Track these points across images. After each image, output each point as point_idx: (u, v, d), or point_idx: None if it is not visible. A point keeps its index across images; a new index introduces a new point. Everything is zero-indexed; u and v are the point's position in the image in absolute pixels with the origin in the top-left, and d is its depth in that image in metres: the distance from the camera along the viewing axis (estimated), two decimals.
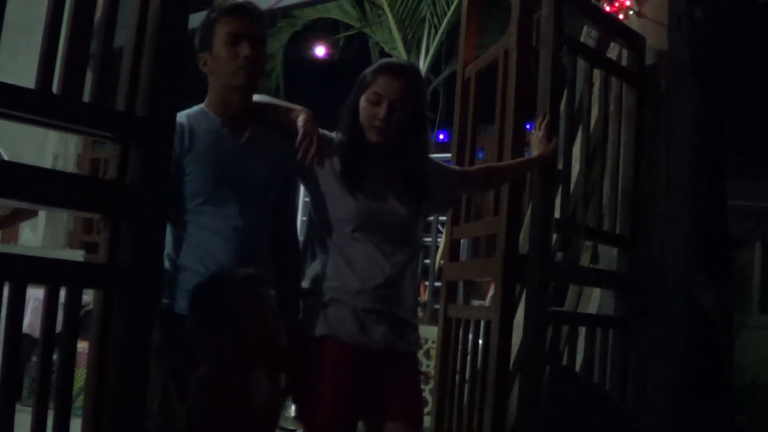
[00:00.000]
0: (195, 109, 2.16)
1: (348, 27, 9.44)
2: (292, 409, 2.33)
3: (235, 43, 2.08)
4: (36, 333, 1.51)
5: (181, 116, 2.08)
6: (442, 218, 5.55)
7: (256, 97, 2.22)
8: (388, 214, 2.24)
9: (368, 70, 2.29)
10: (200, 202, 2.07)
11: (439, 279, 4.06)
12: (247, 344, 1.86)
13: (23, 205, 1.92)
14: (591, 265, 3.31)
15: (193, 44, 2.10)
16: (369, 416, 2.25)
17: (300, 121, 2.15)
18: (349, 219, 2.21)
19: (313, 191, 2.28)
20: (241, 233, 2.08)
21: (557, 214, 2.93)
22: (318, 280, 2.22)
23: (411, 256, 2.29)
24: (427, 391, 4.01)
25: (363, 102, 2.25)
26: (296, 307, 2.23)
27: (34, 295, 1.89)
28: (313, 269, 2.26)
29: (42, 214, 1.91)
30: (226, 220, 2.07)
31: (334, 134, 2.29)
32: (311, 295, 2.22)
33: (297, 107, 2.23)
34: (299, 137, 2.12)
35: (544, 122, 2.73)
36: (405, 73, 2.28)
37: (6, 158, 2.58)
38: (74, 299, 1.50)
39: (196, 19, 1.95)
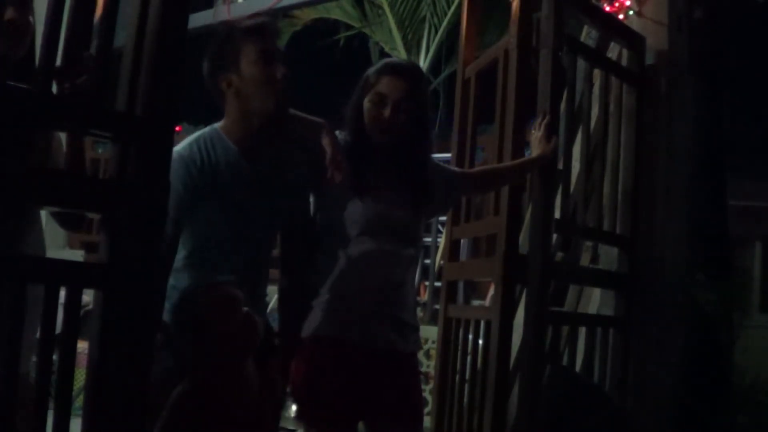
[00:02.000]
0: (208, 132, 2.09)
1: (348, 27, 9.44)
2: (293, 409, 2.33)
3: (269, 62, 2.04)
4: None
5: (195, 142, 2.03)
6: (442, 218, 5.55)
7: None
8: (392, 217, 2.24)
9: (371, 71, 2.28)
10: (207, 243, 2.05)
11: (439, 279, 4.06)
12: (221, 352, 1.82)
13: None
14: (591, 265, 3.31)
15: (193, 44, 2.08)
16: (369, 417, 2.25)
17: (326, 140, 2.11)
18: (355, 222, 2.19)
19: (319, 195, 2.28)
20: (244, 257, 2.09)
21: (557, 214, 2.93)
22: (321, 281, 2.22)
23: (413, 257, 2.30)
24: (427, 391, 4.01)
25: (367, 103, 2.24)
26: (302, 307, 2.22)
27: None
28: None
29: (42, 214, 1.88)
30: (231, 251, 2.07)
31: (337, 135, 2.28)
32: (315, 295, 2.22)
33: (315, 120, 2.18)
34: (329, 158, 2.09)
35: (544, 122, 2.73)
36: (408, 73, 2.28)
37: None
38: (74, 299, 1.50)
39: (196, 19, 1.95)
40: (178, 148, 2.01)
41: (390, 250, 2.23)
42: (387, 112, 2.21)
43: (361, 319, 2.19)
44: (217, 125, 2.12)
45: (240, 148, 2.08)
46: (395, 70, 2.27)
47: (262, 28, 2.06)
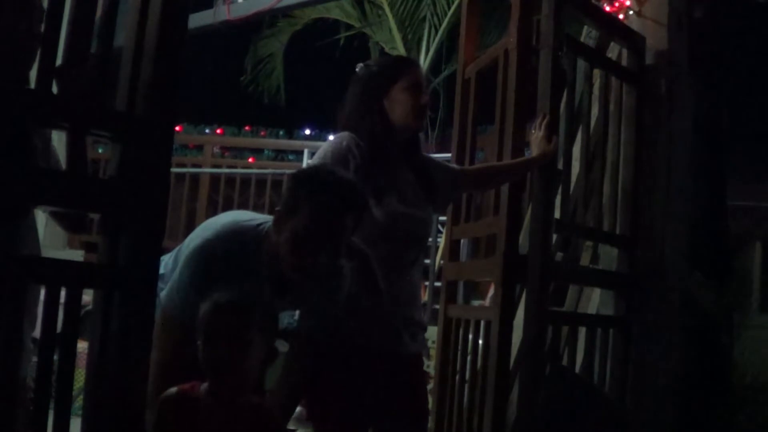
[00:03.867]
0: (249, 241, 1.93)
1: (348, 27, 9.44)
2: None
3: (322, 232, 1.90)
4: (37, 333, 1.51)
5: (231, 244, 1.89)
6: (442, 218, 5.55)
7: None
8: (410, 218, 2.24)
9: (387, 67, 2.32)
10: None
11: (439, 279, 4.06)
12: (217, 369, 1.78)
13: None
14: (591, 265, 3.31)
15: (193, 44, 2.05)
16: (378, 417, 2.25)
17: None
18: (376, 226, 2.17)
19: None
20: None
21: (557, 214, 2.93)
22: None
23: (422, 256, 2.32)
24: (427, 391, 4.01)
25: (399, 93, 2.25)
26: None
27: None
28: None
29: (42, 213, 1.87)
30: None
31: (346, 137, 2.23)
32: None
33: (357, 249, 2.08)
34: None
35: (544, 122, 2.73)
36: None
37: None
38: (74, 299, 1.50)
39: (196, 19, 1.93)
40: (212, 238, 1.92)
41: (404, 250, 2.23)
42: (424, 96, 2.28)
43: (375, 320, 2.19)
44: (267, 229, 1.96)
45: (273, 268, 1.95)
46: (412, 61, 2.34)
47: (335, 197, 1.90)
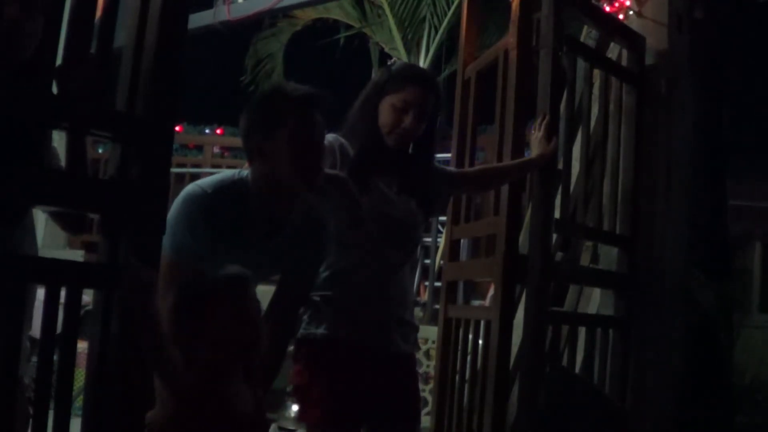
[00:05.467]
0: (237, 182, 2.00)
1: (348, 27, 9.44)
2: (293, 409, 2.33)
3: (308, 135, 1.97)
4: (36, 333, 1.51)
5: (221, 190, 1.96)
6: (442, 218, 5.55)
7: None
8: (395, 219, 2.24)
9: (392, 75, 2.27)
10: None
11: (439, 279, 4.06)
12: (225, 349, 1.71)
13: None
14: (591, 265, 3.31)
15: (193, 44, 2.06)
16: (370, 418, 2.25)
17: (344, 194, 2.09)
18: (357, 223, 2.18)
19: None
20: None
21: (557, 214, 2.93)
22: (323, 281, 2.21)
23: (413, 256, 2.31)
24: (427, 391, 4.01)
25: (387, 107, 2.22)
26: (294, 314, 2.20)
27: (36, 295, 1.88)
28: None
29: (42, 213, 1.87)
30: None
31: (333, 137, 2.27)
32: (316, 295, 2.22)
33: (332, 174, 2.11)
34: (350, 212, 2.09)
35: (544, 122, 2.73)
36: (434, 86, 2.30)
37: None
38: (74, 299, 1.50)
39: (196, 19, 1.93)
40: (205, 185, 1.97)
41: (390, 250, 2.23)
42: (408, 119, 2.21)
43: (365, 320, 2.19)
44: (246, 176, 2.02)
45: (261, 209, 2.00)
46: (423, 79, 2.27)
47: (307, 98, 1.97)
